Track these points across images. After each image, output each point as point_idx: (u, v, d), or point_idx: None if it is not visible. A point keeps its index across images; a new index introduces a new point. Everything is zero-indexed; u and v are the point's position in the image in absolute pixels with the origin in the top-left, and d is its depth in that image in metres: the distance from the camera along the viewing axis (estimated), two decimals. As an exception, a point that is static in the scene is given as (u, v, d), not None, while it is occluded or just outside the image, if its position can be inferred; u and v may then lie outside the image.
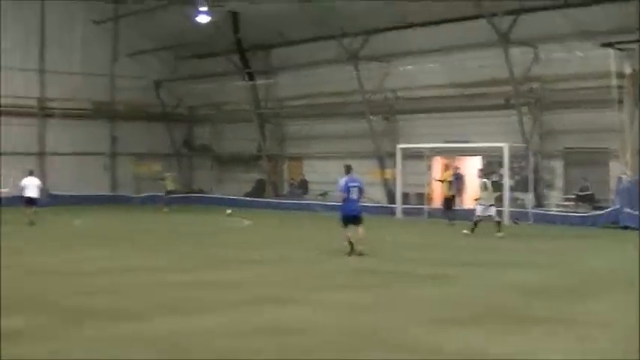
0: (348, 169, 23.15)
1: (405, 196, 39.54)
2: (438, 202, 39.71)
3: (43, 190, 29.23)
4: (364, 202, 41.75)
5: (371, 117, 42.76)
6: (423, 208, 39.25)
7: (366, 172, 42.35)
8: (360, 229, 22.33)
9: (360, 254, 21.76)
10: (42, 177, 48.61)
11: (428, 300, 14.87)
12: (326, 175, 45.16)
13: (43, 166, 49.12)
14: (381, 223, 35.14)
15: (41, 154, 49.43)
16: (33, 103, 48.91)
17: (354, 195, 22.66)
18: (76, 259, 21.42)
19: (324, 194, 45.87)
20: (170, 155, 55.38)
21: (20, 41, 48.49)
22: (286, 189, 49.86)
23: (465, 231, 28.91)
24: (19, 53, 48.38)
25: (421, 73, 41.10)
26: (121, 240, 27.41)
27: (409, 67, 41.50)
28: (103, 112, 52.80)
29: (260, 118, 49.93)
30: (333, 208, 42.63)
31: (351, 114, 44.84)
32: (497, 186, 31.06)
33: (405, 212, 38.66)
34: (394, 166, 39.54)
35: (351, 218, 22.44)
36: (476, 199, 29.59)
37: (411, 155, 39.69)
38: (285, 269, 19.75)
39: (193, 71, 52.90)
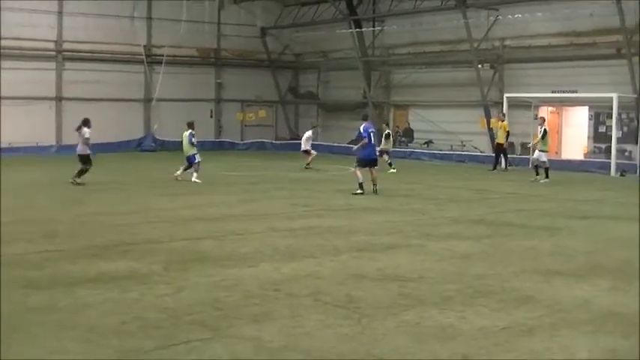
0: (365, 117, 26.46)
1: (510, 146, 39.12)
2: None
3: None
4: (468, 152, 42.20)
5: (479, 66, 42.24)
6: (528, 159, 38.85)
7: (472, 121, 42.21)
8: (374, 171, 24.88)
9: (375, 192, 24.41)
10: (147, 123, 49.72)
11: (537, 251, 14.80)
12: (431, 124, 45.04)
13: (149, 112, 49.96)
14: (484, 174, 34.91)
15: (147, 100, 50.13)
16: (140, 50, 49.46)
17: (372, 140, 25.08)
18: (187, 205, 21.84)
19: (428, 143, 45.76)
20: (275, 102, 55.67)
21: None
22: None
23: (542, 180, 29.95)
24: (127, 1, 48.94)
25: (530, 22, 40.40)
26: (228, 186, 27.71)
27: (518, 15, 40.81)
28: (210, 59, 53.25)
29: (366, 65, 49.70)
30: (438, 156, 42.82)
31: (457, 62, 44.45)
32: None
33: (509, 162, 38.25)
34: (500, 114, 39.07)
35: (370, 161, 24.99)
36: (542, 149, 30.95)
37: (517, 105, 39.26)
38: (392, 217, 19.80)
39: (299, 18, 52.82)
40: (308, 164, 35.90)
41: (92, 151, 27.70)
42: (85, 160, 27.53)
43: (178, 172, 28.85)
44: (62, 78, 47.28)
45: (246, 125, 53.69)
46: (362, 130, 24.94)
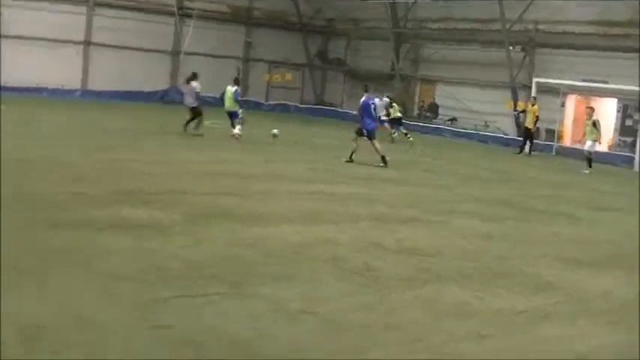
0: (367, 88, 26.47)
1: (536, 131, 38.96)
2: (568, 140, 39.55)
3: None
4: (492, 133, 42.03)
5: (510, 47, 41.96)
6: (552, 145, 38.74)
7: (498, 102, 42.04)
8: (376, 143, 24.89)
9: (385, 164, 24.34)
10: (174, 77, 49.69)
11: (559, 238, 14.72)
12: (457, 101, 44.88)
13: (176, 65, 49.90)
14: (507, 156, 34.81)
15: (175, 53, 50.08)
16: (171, 1, 49.36)
17: (372, 111, 25.26)
18: (212, 160, 21.91)
19: (452, 120, 45.62)
20: (303, 65, 55.53)
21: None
22: (415, 111, 49.53)
23: (585, 171, 29.50)
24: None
25: (565, 8, 40.08)
26: (254, 144, 27.68)
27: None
28: (240, 17, 53.08)
29: (396, 37, 49.46)
30: (461, 135, 42.69)
31: (488, 42, 44.12)
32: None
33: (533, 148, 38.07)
34: (527, 98, 38.82)
35: (369, 132, 24.91)
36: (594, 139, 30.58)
37: (545, 90, 39.06)
38: (413, 190, 19.77)
39: (334, -16, 52.67)
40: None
41: (200, 102, 29.22)
42: (195, 111, 28.90)
43: (236, 131, 28.87)
44: (92, 23, 47.23)
45: (272, 86, 53.63)
46: (364, 102, 25.18)
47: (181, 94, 47.66)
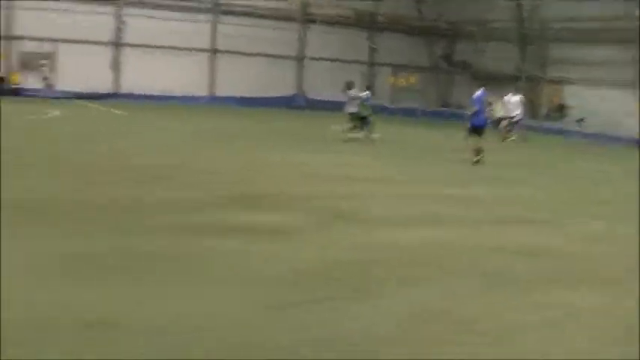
0: (481, 85, 25.68)
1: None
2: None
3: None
4: (620, 135, 41.03)
5: (640, 45, 40.96)
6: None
7: (628, 102, 41.03)
8: (481, 140, 24.40)
9: (478, 162, 23.91)
10: (298, 81, 49.99)
11: None
12: (585, 102, 43.98)
13: (301, 70, 50.20)
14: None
15: (299, 59, 50.37)
16: (295, 8, 49.65)
17: (483, 108, 25.07)
18: (332, 164, 21.85)
19: (581, 120, 44.65)
20: (427, 69, 55.26)
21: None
22: (543, 112, 48.72)
23: None
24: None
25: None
26: (376, 148, 27.55)
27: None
28: (364, 22, 53.09)
29: (522, 38, 48.82)
30: (590, 136, 41.74)
31: (616, 40, 43.09)
32: None
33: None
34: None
35: (479, 129, 24.52)
36: None
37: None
38: (547, 192, 19.29)
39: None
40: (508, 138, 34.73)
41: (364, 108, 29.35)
42: (356, 117, 29.28)
43: (358, 134, 29.09)
44: (217, 31, 47.87)
45: (396, 90, 53.50)
46: (474, 98, 24.89)
47: (306, 100, 48.68)
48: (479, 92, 24.94)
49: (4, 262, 8.74)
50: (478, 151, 24.13)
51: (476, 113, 24.71)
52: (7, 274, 8.36)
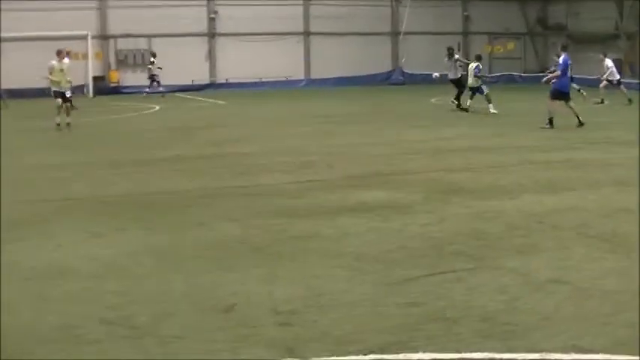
0: (564, 47, 25.52)
1: None
2: None
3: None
4: None
5: None
6: None
7: None
8: (572, 104, 24.19)
9: (581, 124, 23.60)
10: (395, 57, 49.92)
11: None
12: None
13: (396, 46, 50.12)
14: None
15: (395, 34, 50.28)
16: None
17: (569, 73, 24.74)
18: (439, 137, 21.86)
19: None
20: (524, 34, 54.63)
21: None
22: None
23: None
24: None
25: None
26: (478, 118, 27.43)
27: None
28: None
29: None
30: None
31: None
32: None
33: None
34: None
35: (563, 94, 24.06)
36: None
37: None
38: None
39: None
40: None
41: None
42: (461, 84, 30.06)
43: (467, 104, 29.24)
44: (309, 13, 48.04)
45: (494, 58, 53.01)
46: (560, 62, 24.42)
47: (404, 75, 48.57)
48: (563, 56, 24.58)
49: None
50: (551, 117, 23.70)
51: (560, 77, 24.35)
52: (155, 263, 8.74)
